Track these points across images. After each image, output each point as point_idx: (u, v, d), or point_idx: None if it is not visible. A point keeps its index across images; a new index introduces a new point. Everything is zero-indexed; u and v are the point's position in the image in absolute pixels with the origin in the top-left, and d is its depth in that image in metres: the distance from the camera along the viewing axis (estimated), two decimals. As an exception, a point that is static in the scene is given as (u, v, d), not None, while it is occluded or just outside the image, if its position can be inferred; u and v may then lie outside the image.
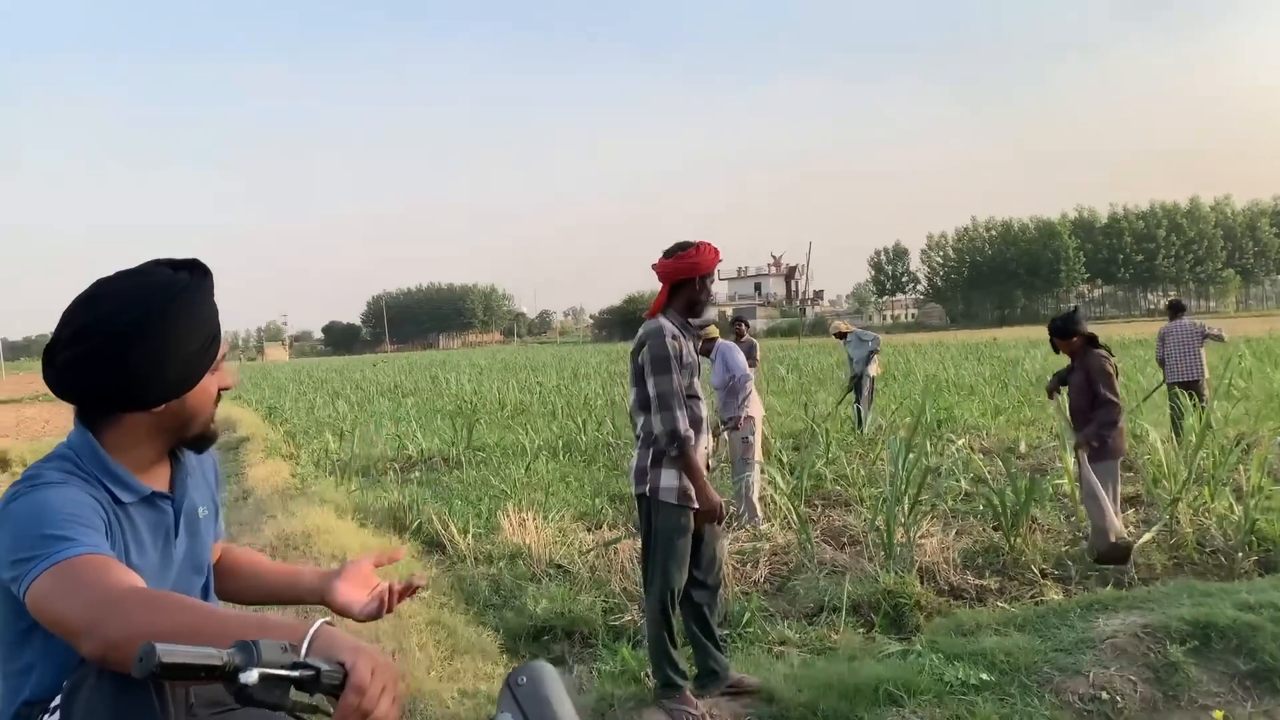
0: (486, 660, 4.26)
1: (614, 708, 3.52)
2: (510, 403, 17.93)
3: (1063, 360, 6.04)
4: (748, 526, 6.56)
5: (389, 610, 1.65)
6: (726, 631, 4.53)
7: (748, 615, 4.70)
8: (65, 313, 1.43)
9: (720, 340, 7.30)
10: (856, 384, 11.69)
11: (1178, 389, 9.44)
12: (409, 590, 1.68)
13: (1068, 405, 6.01)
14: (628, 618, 4.83)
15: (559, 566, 5.81)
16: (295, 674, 1.03)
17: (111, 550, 1.32)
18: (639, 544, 5.93)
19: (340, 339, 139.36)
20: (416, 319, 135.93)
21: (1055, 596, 5.00)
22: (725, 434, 7.20)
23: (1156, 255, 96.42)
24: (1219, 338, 9.95)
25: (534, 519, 6.59)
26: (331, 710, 1.07)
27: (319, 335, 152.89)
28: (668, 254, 3.68)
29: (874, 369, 11.69)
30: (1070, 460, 6.08)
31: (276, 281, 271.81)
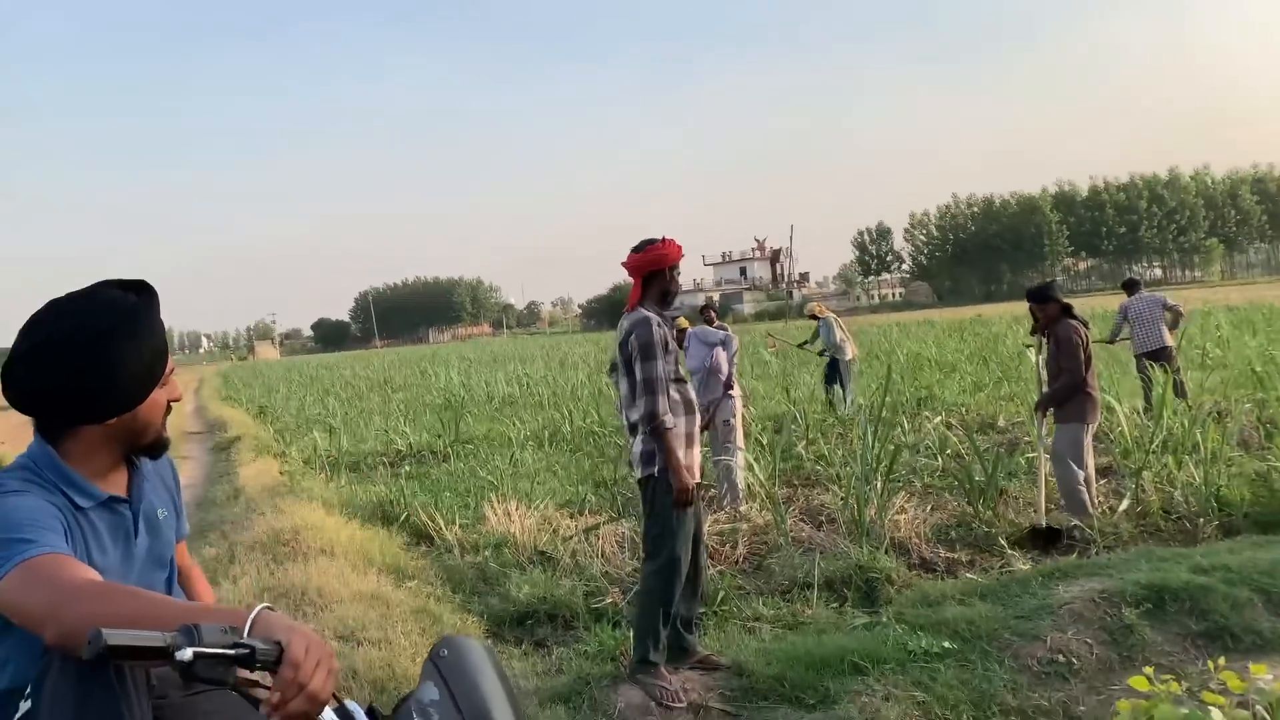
0: (470, 646, 4.40)
1: (590, 685, 3.67)
2: (498, 395, 18.05)
3: None
4: (728, 509, 6.72)
5: None
6: (703, 609, 4.69)
7: (723, 593, 4.85)
8: (20, 331, 1.54)
9: (690, 328, 7.47)
10: (833, 367, 11.93)
11: (1146, 360, 9.66)
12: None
13: (1045, 374, 6.21)
14: (608, 600, 4.98)
15: (543, 553, 5.95)
16: (232, 652, 1.15)
17: (70, 550, 1.44)
18: (619, 529, 6.12)
19: (330, 335, 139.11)
20: (405, 313, 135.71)
21: (1023, 567, 5.16)
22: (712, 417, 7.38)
23: (1139, 227, 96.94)
24: (1177, 310, 10.16)
25: (518, 508, 6.73)
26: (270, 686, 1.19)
27: (309, 333, 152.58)
28: (636, 249, 3.95)
29: (848, 353, 11.94)
30: (1036, 427, 6.27)
31: (265, 281, 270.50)
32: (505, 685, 1.31)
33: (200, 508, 9.14)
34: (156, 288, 1.63)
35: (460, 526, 6.68)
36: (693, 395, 3.99)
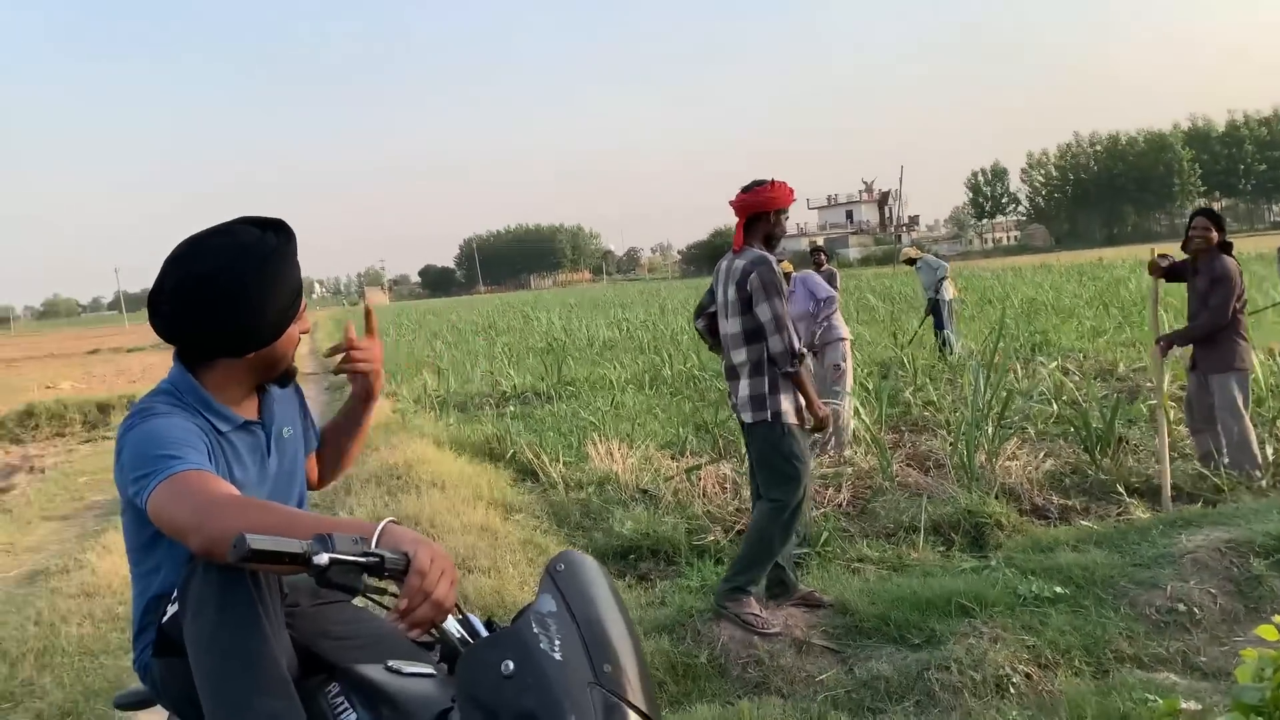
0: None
1: (693, 618, 3.72)
2: (599, 339, 18.22)
3: None
4: (832, 453, 6.65)
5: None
6: (805, 550, 4.68)
7: (827, 535, 4.83)
8: (165, 265, 1.62)
9: (795, 272, 7.33)
10: (934, 309, 11.71)
11: None
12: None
13: (1186, 309, 5.71)
14: (710, 538, 5.02)
15: (645, 492, 6.03)
16: (363, 559, 1.22)
17: (212, 467, 1.54)
18: (720, 470, 6.14)
19: (436, 281, 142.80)
20: (508, 260, 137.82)
21: (1142, 515, 4.96)
22: (811, 358, 7.27)
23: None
24: None
25: (620, 448, 6.82)
26: (398, 593, 1.26)
27: (416, 279, 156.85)
28: (745, 190, 3.90)
29: (948, 292, 11.66)
30: (1155, 366, 5.84)
31: (375, 229, 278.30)
32: (617, 599, 1.35)
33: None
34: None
35: (564, 464, 6.82)
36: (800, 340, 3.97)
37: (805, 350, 3.79)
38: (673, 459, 6.81)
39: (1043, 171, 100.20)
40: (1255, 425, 6.52)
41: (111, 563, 5.22)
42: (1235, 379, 5.45)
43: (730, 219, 3.99)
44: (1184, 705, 2.28)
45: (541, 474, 6.74)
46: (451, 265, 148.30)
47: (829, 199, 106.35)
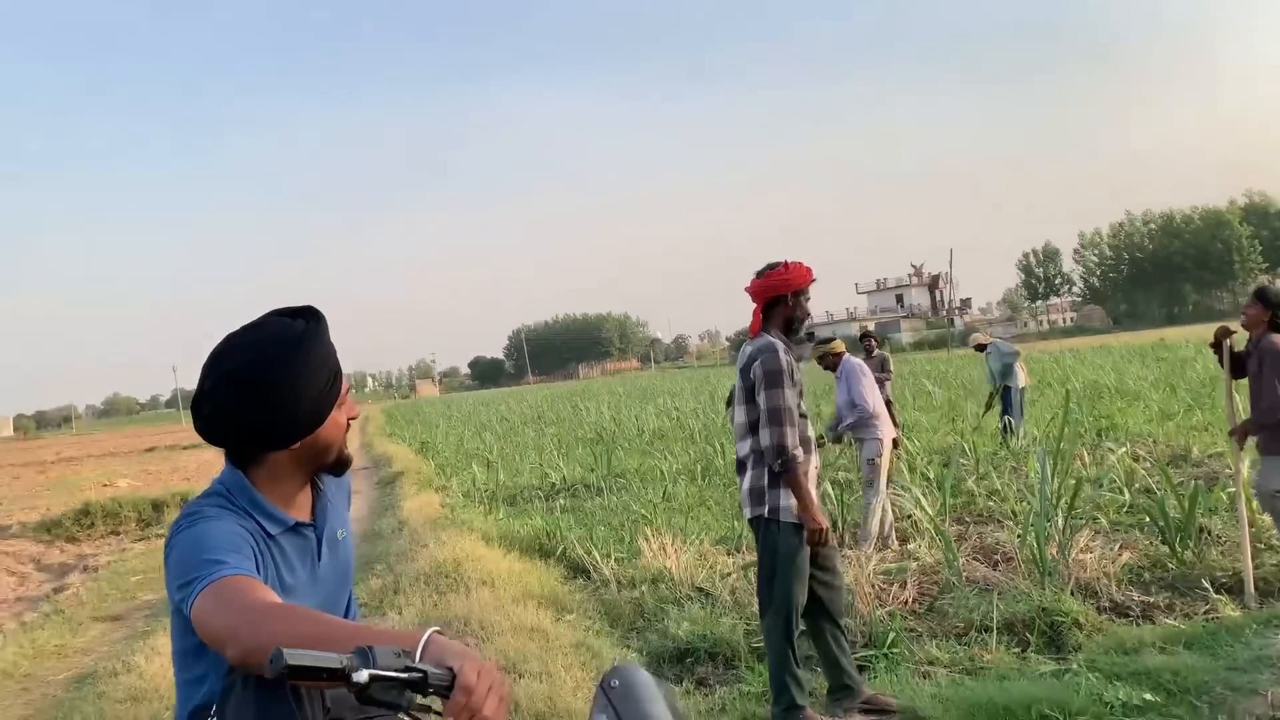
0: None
1: (755, 728, 3.52)
2: (648, 429, 18.12)
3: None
4: (864, 549, 6.38)
5: None
6: (871, 652, 4.45)
7: (893, 635, 4.59)
8: (204, 367, 1.60)
9: (849, 357, 7.16)
10: (1004, 397, 11.30)
11: None
12: None
13: (1248, 394, 5.44)
14: (769, 639, 4.80)
15: (700, 589, 5.83)
16: (405, 675, 1.15)
17: (258, 574, 1.49)
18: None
19: (486, 373, 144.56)
20: (556, 350, 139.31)
21: (1232, 613, 4.64)
22: (828, 444, 7.13)
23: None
24: None
25: (674, 543, 6.65)
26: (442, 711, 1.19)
27: (466, 370, 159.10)
28: (759, 274, 3.75)
29: (1020, 380, 11.27)
30: (1234, 457, 5.56)
31: (425, 323, 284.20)
32: (676, 717, 1.26)
33: (366, 540, 9.55)
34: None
35: (616, 560, 6.66)
36: (810, 432, 3.74)
37: (800, 451, 3.56)
38: (728, 554, 6.61)
39: (1096, 251, 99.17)
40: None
41: (159, 665, 5.16)
42: (1272, 463, 5.08)
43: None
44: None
45: (593, 571, 6.59)
46: (500, 356, 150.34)
47: (878, 283, 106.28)
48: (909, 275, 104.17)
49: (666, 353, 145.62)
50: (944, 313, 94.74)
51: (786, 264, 3.71)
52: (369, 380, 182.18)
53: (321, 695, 1.40)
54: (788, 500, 3.54)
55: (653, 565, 6.37)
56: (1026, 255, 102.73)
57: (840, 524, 7.10)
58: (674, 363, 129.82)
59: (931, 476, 7.63)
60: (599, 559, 6.66)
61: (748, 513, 3.65)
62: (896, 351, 53.87)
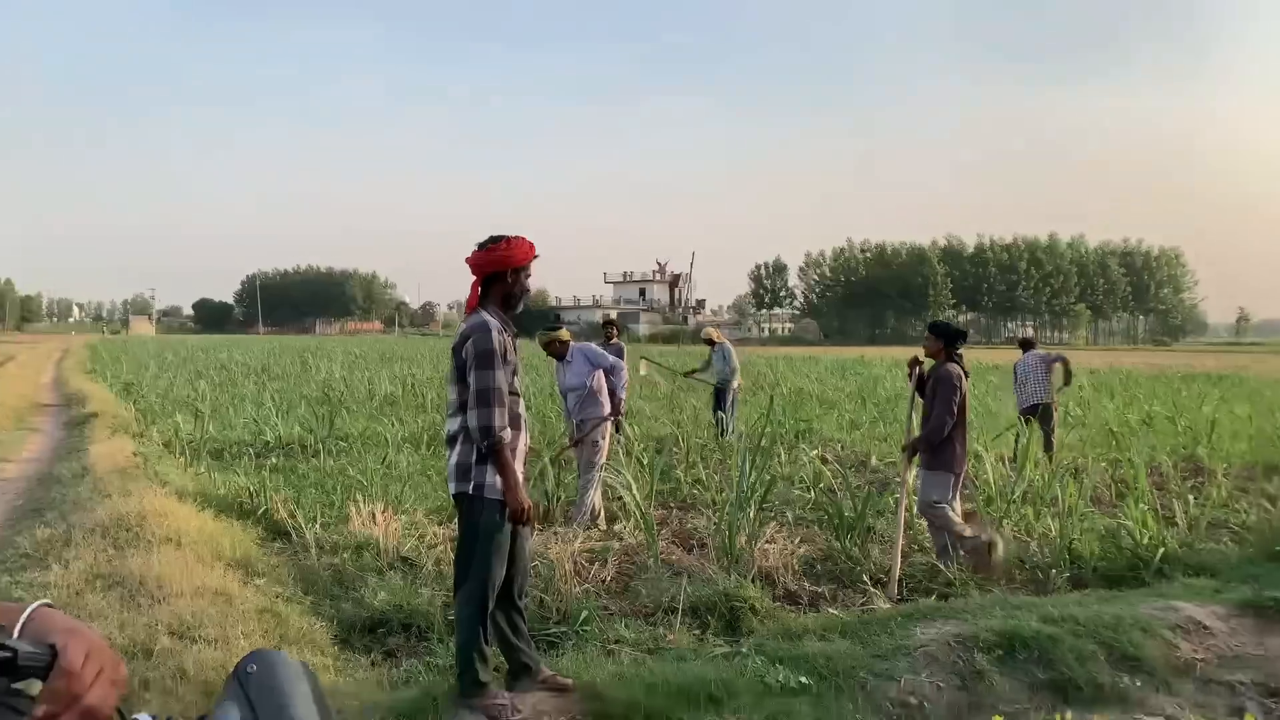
0: (315, 651, 4.17)
1: (436, 702, 3.51)
2: (380, 393, 17.52)
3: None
4: (576, 526, 6.61)
5: None
6: (563, 629, 4.57)
7: (586, 613, 4.75)
8: None
9: (575, 343, 7.34)
10: (719, 393, 12.00)
11: (1024, 416, 10.01)
12: None
13: (920, 413, 6.23)
14: (468, 613, 4.80)
15: (405, 559, 5.73)
16: None
17: None
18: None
19: (211, 317, 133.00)
20: (293, 301, 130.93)
21: (884, 605, 5.24)
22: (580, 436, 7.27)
23: (1017, 286, 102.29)
24: (1061, 360, 10.63)
25: (385, 511, 6.47)
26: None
27: (189, 312, 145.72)
28: (480, 247, 3.62)
29: (736, 381, 12.05)
30: (904, 468, 6.32)
31: (149, 253, 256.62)
32: (322, 711, 1.10)
33: (42, 484, 8.53)
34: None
35: (321, 525, 6.39)
36: (522, 410, 3.73)
37: (508, 432, 3.53)
38: (441, 525, 6.54)
39: (818, 270, 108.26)
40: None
41: None
42: (934, 478, 5.94)
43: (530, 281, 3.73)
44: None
45: (295, 534, 6.27)
46: (230, 301, 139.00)
47: (624, 275, 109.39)
48: (653, 271, 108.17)
49: (413, 318, 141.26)
50: (680, 310, 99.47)
51: (509, 239, 3.61)
52: (75, 309, 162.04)
53: None
54: (493, 478, 3.53)
55: (360, 533, 6.17)
56: (759, 266, 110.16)
57: (554, 501, 7.24)
58: (420, 329, 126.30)
59: (645, 462, 7.97)
60: (303, 522, 6.35)
61: (452, 488, 3.59)
62: (633, 341, 55.74)
